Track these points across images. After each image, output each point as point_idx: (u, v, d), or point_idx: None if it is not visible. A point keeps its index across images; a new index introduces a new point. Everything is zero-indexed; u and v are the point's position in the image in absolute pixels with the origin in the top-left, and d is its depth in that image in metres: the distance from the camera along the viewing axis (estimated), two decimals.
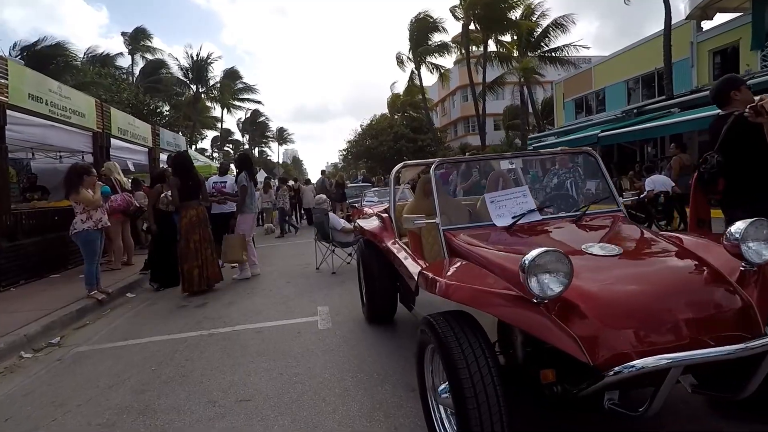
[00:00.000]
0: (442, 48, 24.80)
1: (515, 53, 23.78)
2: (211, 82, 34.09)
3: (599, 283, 1.79)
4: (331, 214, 6.70)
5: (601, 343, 1.60)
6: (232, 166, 10.87)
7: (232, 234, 6.33)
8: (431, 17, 24.33)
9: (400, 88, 37.77)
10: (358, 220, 4.34)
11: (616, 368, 1.50)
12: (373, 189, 12.37)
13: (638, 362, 1.48)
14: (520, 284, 1.73)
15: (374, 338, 3.70)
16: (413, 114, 34.93)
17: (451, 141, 38.22)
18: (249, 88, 39.26)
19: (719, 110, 3.55)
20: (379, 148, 31.94)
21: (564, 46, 23.22)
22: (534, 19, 22.80)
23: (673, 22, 15.37)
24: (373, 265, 3.79)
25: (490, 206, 2.67)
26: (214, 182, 7.27)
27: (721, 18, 16.25)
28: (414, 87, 28.98)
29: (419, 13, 24.58)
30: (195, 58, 32.44)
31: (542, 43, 23.26)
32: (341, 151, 38.94)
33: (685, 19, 16.67)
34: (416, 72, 26.44)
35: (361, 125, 35.90)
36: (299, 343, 3.71)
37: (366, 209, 8.97)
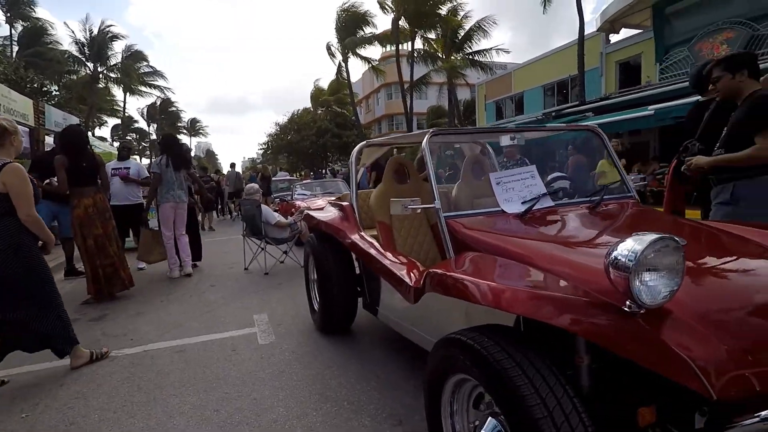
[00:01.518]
0: (371, 40, 24.28)
1: (440, 54, 24.06)
2: (113, 61, 30.24)
3: (693, 282, 1.34)
4: (263, 206, 5.84)
5: (718, 368, 1.14)
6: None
7: (146, 229, 5.62)
8: (357, 8, 23.71)
9: (324, 84, 36.78)
10: (308, 211, 3.63)
11: (766, 412, 1.05)
12: (302, 182, 11.58)
13: None
14: (598, 286, 1.23)
15: (332, 353, 3.04)
16: (338, 109, 34.12)
17: (376, 138, 38.02)
18: (157, 73, 35.53)
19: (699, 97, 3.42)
20: (302, 143, 30.71)
21: (486, 49, 23.97)
22: (459, 18, 23.20)
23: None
24: (330, 263, 3.14)
25: (496, 189, 2.16)
26: (113, 168, 6.02)
27: (625, 33, 17.74)
28: (341, 80, 28.19)
29: (345, 2, 23.84)
30: (94, 32, 28.50)
31: (466, 45, 23.81)
32: (261, 144, 36.81)
33: (596, 31, 17.94)
34: (344, 64, 25.67)
35: (277, 123, 34.21)
36: (236, 365, 2.92)
37: (298, 203, 8.24)
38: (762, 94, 2.47)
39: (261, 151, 38.46)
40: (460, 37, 23.49)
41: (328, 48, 25.45)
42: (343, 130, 31.19)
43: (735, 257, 1.58)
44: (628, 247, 1.15)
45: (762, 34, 10.82)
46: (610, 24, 16.95)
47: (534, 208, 2.13)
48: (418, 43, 24.00)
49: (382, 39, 24.16)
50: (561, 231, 1.97)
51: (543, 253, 1.61)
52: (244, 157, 74.16)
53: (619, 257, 1.15)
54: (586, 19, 16.50)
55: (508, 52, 25.94)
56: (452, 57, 23.56)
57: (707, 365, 1.12)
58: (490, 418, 1.36)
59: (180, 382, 2.71)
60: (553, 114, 17.90)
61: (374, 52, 28.03)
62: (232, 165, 15.92)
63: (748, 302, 1.31)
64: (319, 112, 35.03)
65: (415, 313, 2.32)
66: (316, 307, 3.47)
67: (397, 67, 23.20)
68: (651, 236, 1.13)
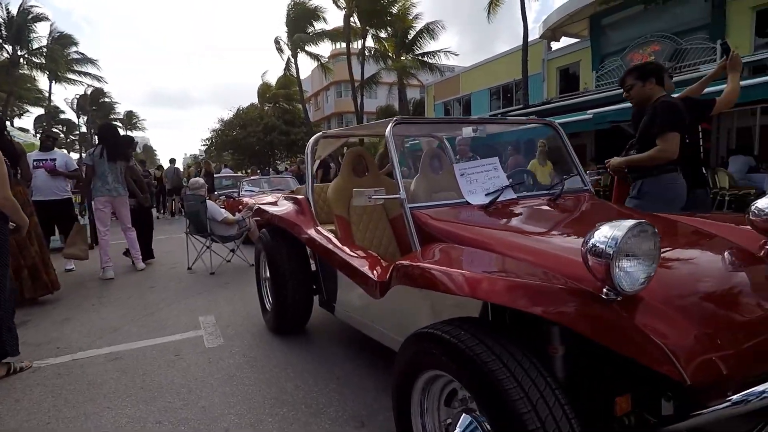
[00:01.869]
0: (321, 36, 23.89)
1: (390, 54, 24.15)
2: (36, 45, 27.45)
3: (660, 269, 1.35)
4: (209, 202, 5.51)
5: (691, 352, 1.15)
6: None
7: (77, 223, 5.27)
8: (308, 2, 23.25)
9: (272, 78, 35.77)
10: (260, 205, 3.44)
11: (737, 396, 1.06)
12: (250, 179, 11.13)
13: None
14: (569, 275, 1.21)
15: (286, 354, 2.88)
16: (286, 106, 33.32)
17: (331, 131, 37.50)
18: (88, 60, 32.77)
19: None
20: (248, 139, 29.70)
21: (435, 51, 24.37)
22: (410, 18, 23.40)
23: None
24: (284, 260, 2.98)
25: (460, 180, 2.12)
26: (35, 160, 5.44)
27: (565, 41, 18.73)
28: (290, 77, 27.54)
29: None
30: (12, 11, 25.71)
31: (415, 46, 24.08)
32: (204, 140, 35.09)
33: (538, 38, 18.77)
34: (293, 60, 25.06)
35: (221, 119, 32.77)
36: (181, 371, 2.69)
37: (246, 200, 7.92)
38: (662, 100, 2.66)
39: (204, 148, 36.69)
40: (410, 38, 23.71)
41: (277, 42, 24.78)
42: (291, 127, 30.51)
43: (690, 245, 1.64)
44: (606, 233, 1.12)
45: (684, 48, 11.79)
46: (552, 32, 17.81)
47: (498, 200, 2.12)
48: (369, 42, 23.97)
49: (333, 36, 23.89)
50: (526, 222, 1.96)
51: (513, 243, 1.58)
52: (185, 154, 70.55)
53: (598, 244, 1.12)
54: (528, 27, 17.19)
55: (456, 54, 26.56)
56: (402, 57, 23.73)
57: (680, 350, 1.13)
58: (464, 414, 1.30)
59: (115, 392, 2.44)
60: (499, 116, 18.56)
61: (325, 48, 27.69)
62: (172, 161, 15.10)
63: (709, 287, 1.35)
64: (266, 108, 34.03)
65: (377, 308, 2.23)
66: (268, 306, 3.29)
67: (348, 65, 23.02)
68: (629, 222, 1.12)
